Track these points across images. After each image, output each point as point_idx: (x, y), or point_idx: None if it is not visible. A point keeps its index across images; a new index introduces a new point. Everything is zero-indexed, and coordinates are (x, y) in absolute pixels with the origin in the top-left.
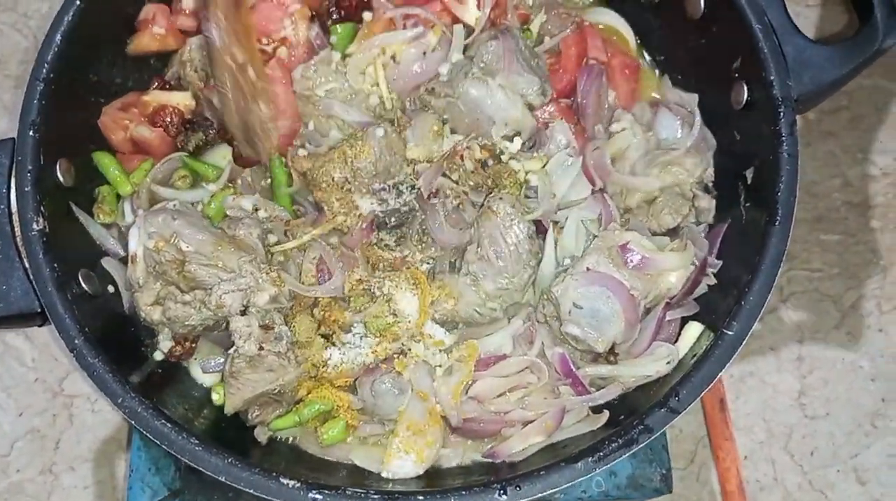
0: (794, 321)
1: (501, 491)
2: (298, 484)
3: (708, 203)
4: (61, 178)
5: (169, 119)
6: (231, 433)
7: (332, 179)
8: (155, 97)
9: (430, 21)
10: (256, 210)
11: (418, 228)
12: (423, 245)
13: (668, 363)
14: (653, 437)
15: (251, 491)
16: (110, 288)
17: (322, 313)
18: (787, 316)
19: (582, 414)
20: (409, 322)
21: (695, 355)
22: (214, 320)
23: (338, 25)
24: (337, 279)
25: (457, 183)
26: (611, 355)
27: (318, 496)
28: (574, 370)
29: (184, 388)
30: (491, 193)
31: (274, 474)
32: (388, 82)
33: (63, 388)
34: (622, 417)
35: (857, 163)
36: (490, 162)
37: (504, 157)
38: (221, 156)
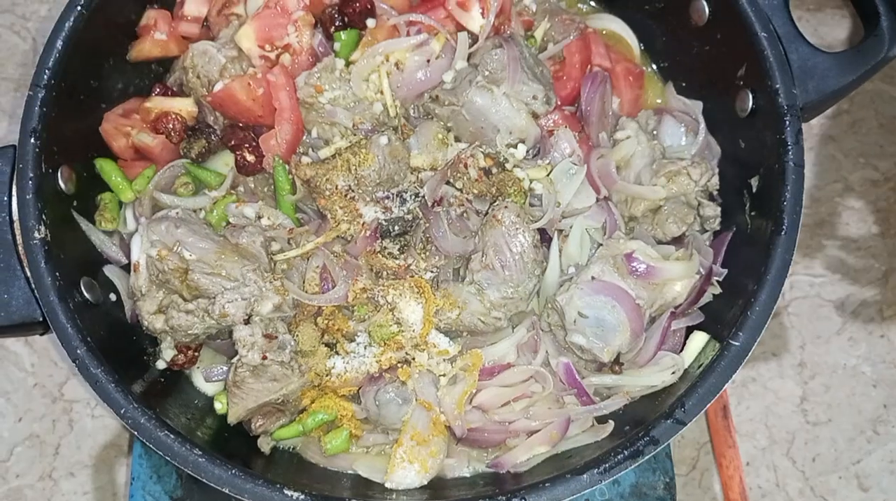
0: (796, 326)
1: None
2: (303, 496)
3: (713, 211)
4: (63, 186)
5: (171, 125)
6: (234, 442)
7: (336, 187)
8: (157, 103)
9: (434, 28)
10: (259, 218)
11: (422, 236)
12: (427, 253)
13: (674, 373)
14: (658, 449)
15: None
16: (112, 297)
17: (326, 322)
18: (789, 321)
19: (587, 424)
20: (413, 331)
21: (700, 365)
22: (217, 329)
23: (341, 32)
24: (340, 287)
25: (461, 191)
26: (616, 365)
27: None
28: (579, 379)
29: (186, 397)
30: (495, 202)
31: (278, 485)
32: (392, 90)
33: (63, 393)
34: (627, 427)
35: (859, 168)
36: (494, 170)
37: (508, 166)
38: (224, 162)
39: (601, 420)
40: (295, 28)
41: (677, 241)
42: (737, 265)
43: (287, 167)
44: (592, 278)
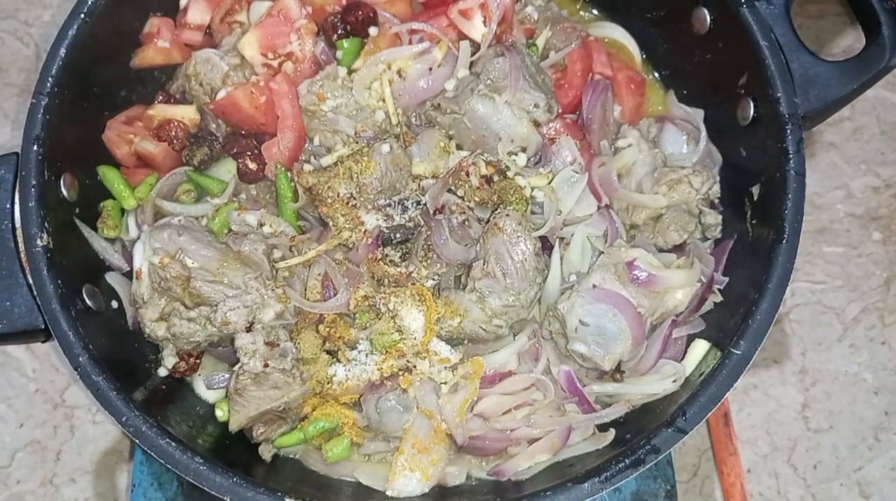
0: (798, 333)
1: None
2: None
3: (714, 219)
4: (65, 193)
5: (174, 133)
6: (235, 450)
7: (338, 195)
8: (160, 111)
9: (436, 37)
10: (261, 225)
11: (423, 244)
12: (429, 261)
13: (675, 381)
14: (660, 457)
15: None
16: (114, 304)
17: (327, 329)
18: (790, 328)
19: (588, 432)
20: (415, 338)
21: (702, 373)
22: (219, 336)
23: (344, 41)
24: (342, 295)
25: (462, 199)
26: (617, 373)
27: None
28: (580, 387)
29: (188, 405)
30: (497, 209)
31: (279, 493)
32: (394, 98)
33: (64, 399)
34: (628, 435)
35: (860, 175)
36: (496, 178)
37: (510, 173)
38: (226, 170)
39: (602, 428)
40: (297, 36)
41: (678, 249)
42: (738, 273)
43: (289, 175)
44: (594, 286)
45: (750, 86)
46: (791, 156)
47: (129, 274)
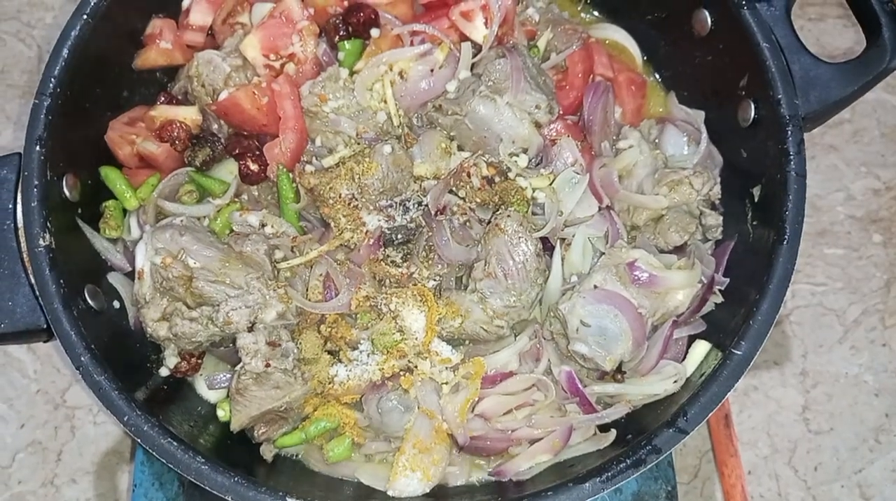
0: (798, 335)
1: None
2: None
3: (715, 220)
4: (67, 193)
5: (176, 134)
6: (237, 450)
7: (339, 195)
8: (162, 112)
9: (438, 38)
10: (263, 226)
11: (425, 245)
12: (430, 262)
13: (676, 382)
14: (661, 458)
15: None
16: (116, 304)
17: (329, 330)
18: (791, 330)
19: (589, 433)
20: (416, 339)
21: (703, 374)
22: (221, 336)
23: (345, 42)
24: (344, 295)
25: (464, 200)
26: (618, 373)
27: None
28: (581, 388)
29: (189, 405)
30: (498, 210)
31: (280, 493)
32: (396, 99)
33: (65, 400)
34: (629, 436)
35: (860, 177)
36: (497, 179)
37: (511, 174)
38: (228, 171)
39: (603, 428)
40: (299, 38)
41: (679, 250)
42: (739, 274)
43: (291, 175)
44: (595, 287)
45: (751, 87)
46: (791, 157)
47: (130, 275)
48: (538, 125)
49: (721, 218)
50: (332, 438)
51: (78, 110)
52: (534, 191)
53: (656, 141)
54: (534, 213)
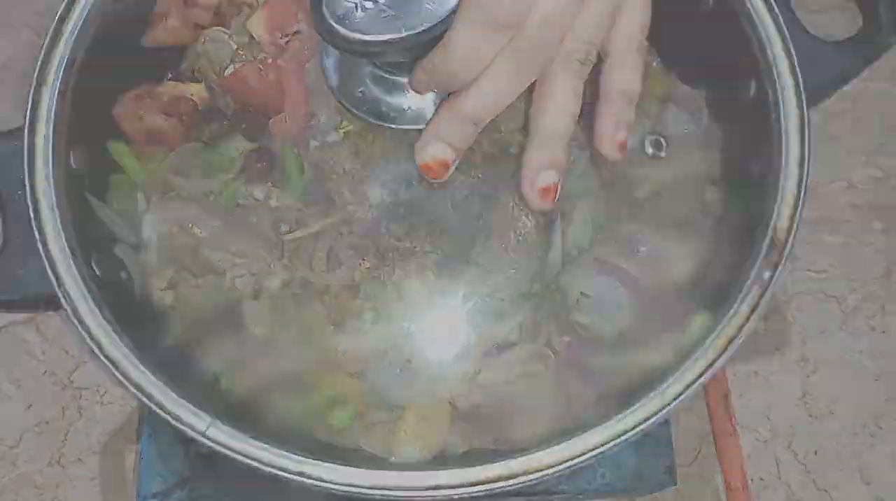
0: (798, 321)
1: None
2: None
3: (714, 196)
4: (75, 166)
5: (183, 109)
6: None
7: (344, 170)
8: (169, 88)
9: None
10: (268, 199)
11: (427, 219)
12: (432, 236)
13: (675, 353)
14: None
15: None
16: (123, 275)
17: (332, 300)
18: (791, 316)
19: (589, 403)
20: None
21: (700, 345)
22: (226, 305)
23: None
24: (347, 267)
25: (466, 174)
26: (618, 344)
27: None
28: (581, 358)
29: (195, 373)
30: (499, 185)
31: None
32: None
33: (72, 381)
34: (629, 404)
35: (861, 166)
36: (499, 154)
37: (513, 149)
38: (234, 146)
39: (604, 398)
40: (305, 15)
41: (680, 224)
42: (736, 250)
43: (296, 150)
44: (595, 259)
45: (751, 65)
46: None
47: (137, 246)
48: None
49: (721, 194)
50: (334, 407)
51: (86, 86)
52: None
53: (656, 119)
54: None
